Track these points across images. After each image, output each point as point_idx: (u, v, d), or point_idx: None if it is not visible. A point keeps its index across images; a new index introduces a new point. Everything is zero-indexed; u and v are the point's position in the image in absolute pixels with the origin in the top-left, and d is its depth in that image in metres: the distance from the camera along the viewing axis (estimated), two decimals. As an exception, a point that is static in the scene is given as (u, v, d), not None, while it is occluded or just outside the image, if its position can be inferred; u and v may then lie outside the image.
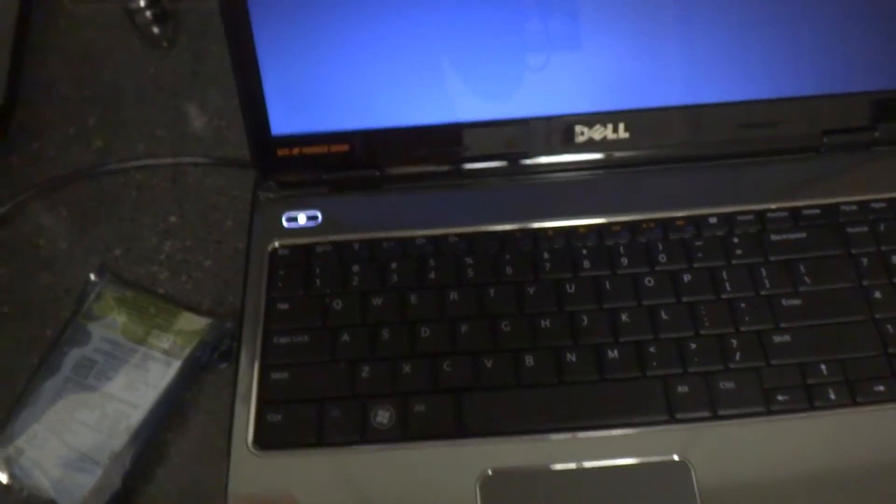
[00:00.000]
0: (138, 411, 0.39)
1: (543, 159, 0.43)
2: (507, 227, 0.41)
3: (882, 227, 0.40)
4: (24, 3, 0.56)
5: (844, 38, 0.40)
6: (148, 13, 0.50)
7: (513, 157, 0.42)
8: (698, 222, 0.41)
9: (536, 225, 0.41)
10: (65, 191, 0.48)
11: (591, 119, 0.41)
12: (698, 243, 0.40)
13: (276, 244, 0.41)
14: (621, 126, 0.42)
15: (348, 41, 0.39)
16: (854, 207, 0.41)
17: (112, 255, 0.46)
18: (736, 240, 0.40)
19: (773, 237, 0.40)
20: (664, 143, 0.42)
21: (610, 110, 0.41)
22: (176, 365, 0.40)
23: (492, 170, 0.43)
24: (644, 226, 0.41)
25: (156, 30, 0.52)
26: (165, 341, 0.41)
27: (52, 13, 0.57)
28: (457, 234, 0.41)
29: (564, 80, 0.41)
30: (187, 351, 0.40)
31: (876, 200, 0.41)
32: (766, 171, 0.42)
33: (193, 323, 0.41)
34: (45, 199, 0.48)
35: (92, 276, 0.43)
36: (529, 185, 0.43)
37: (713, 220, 0.41)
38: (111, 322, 0.41)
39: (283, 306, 0.39)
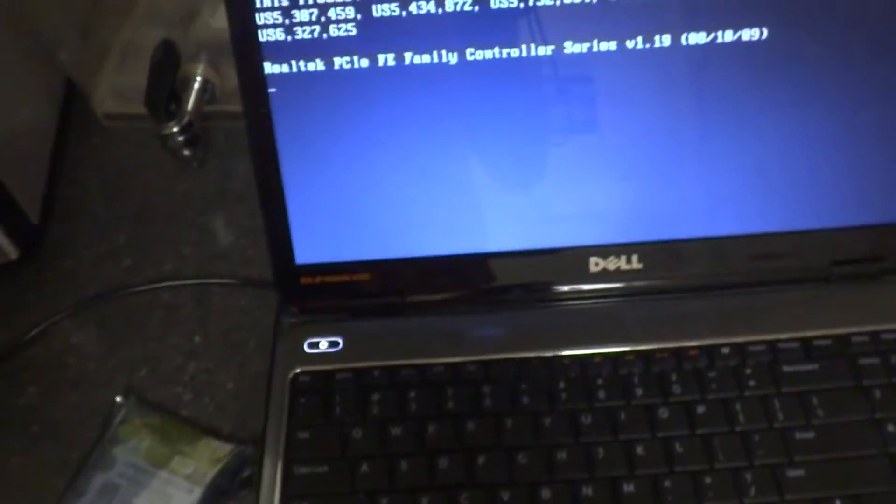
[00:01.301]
0: (161, 538, 0.39)
1: (559, 288, 0.44)
2: (524, 354, 0.42)
3: (893, 359, 0.41)
4: (60, 121, 0.59)
5: (852, 174, 0.42)
6: (180, 138, 0.52)
7: (529, 287, 0.44)
8: (711, 353, 0.41)
9: (552, 353, 0.42)
10: (95, 310, 0.50)
11: (605, 251, 0.43)
12: (711, 374, 0.41)
13: (298, 370, 0.42)
14: (635, 257, 0.43)
15: (371, 176, 0.41)
16: (865, 338, 0.41)
17: (138, 375, 0.47)
18: (749, 371, 0.41)
19: (786, 368, 0.41)
20: (676, 274, 0.43)
21: (624, 242, 0.43)
22: (198, 492, 0.40)
23: (509, 298, 0.44)
24: (658, 356, 0.41)
25: (186, 152, 0.54)
26: (188, 467, 0.41)
27: (87, 131, 0.59)
28: (474, 362, 0.42)
29: (580, 212, 0.42)
30: (209, 477, 0.41)
31: (886, 331, 0.42)
32: (778, 300, 0.43)
33: (216, 449, 0.42)
34: (76, 317, 0.49)
35: (118, 399, 0.45)
36: (545, 313, 0.44)
37: (726, 351, 0.41)
38: (135, 446, 0.42)
39: (304, 435, 0.40)
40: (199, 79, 0.55)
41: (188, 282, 0.50)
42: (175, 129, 0.52)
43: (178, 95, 0.53)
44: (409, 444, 0.39)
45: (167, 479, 0.41)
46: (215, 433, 0.44)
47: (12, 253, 0.50)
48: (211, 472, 0.41)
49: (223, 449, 0.42)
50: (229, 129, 0.58)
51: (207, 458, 0.42)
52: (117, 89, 0.60)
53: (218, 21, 0.60)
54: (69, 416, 0.45)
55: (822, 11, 0.38)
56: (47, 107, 0.58)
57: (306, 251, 0.43)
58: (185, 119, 0.52)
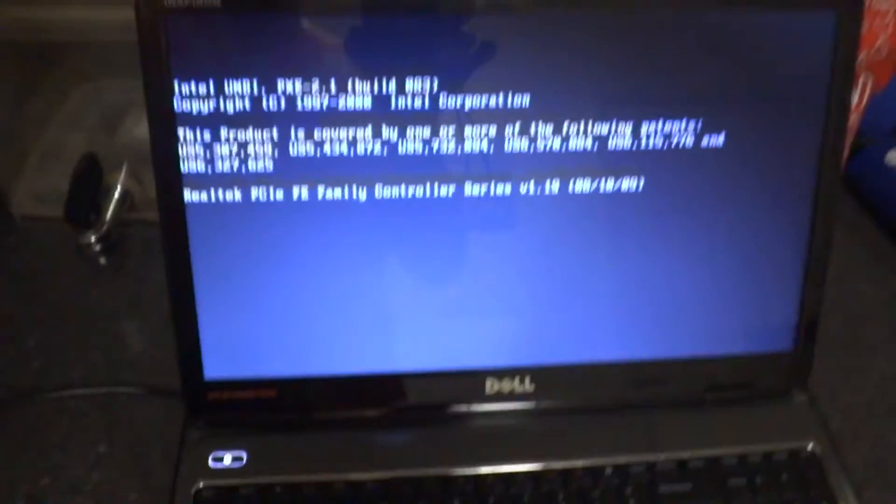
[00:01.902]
0: None
1: (457, 408, 0.46)
2: (422, 473, 0.44)
3: (758, 480, 0.45)
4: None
5: (722, 308, 0.46)
6: (97, 247, 0.54)
7: (429, 406, 0.46)
8: (595, 473, 0.44)
9: (449, 472, 0.44)
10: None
11: (500, 373, 0.46)
12: (595, 493, 0.44)
13: (201, 485, 0.43)
14: (527, 380, 0.46)
15: (280, 298, 0.44)
16: (734, 461, 0.45)
17: (39, 484, 0.47)
18: (629, 490, 0.44)
19: (662, 488, 0.44)
20: (565, 396, 0.47)
21: (517, 366, 0.46)
22: None
23: (410, 417, 0.46)
24: (547, 475, 0.44)
25: (102, 260, 0.55)
26: None
27: (3, 231, 0.60)
28: (374, 480, 0.44)
29: (477, 337, 0.45)
30: None
31: (753, 454, 0.46)
32: (657, 422, 0.47)
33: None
34: (-22, 424, 0.50)
35: None
36: (445, 432, 0.46)
37: (609, 472, 0.44)
38: None
39: (204, 549, 0.41)
40: (119, 188, 0.56)
41: (96, 390, 0.51)
42: (93, 239, 0.53)
43: (98, 205, 0.54)
44: (306, 560, 0.41)
45: None
46: (115, 545, 0.44)
47: (-82, 356, 0.50)
48: None
49: None
50: (146, 237, 0.59)
51: None
52: (37, 192, 0.61)
53: (141, 131, 0.62)
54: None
55: (692, 166, 0.43)
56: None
57: (215, 367, 0.44)
58: (104, 228, 0.54)
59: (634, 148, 0.42)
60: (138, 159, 0.59)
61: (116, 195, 0.56)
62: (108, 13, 0.57)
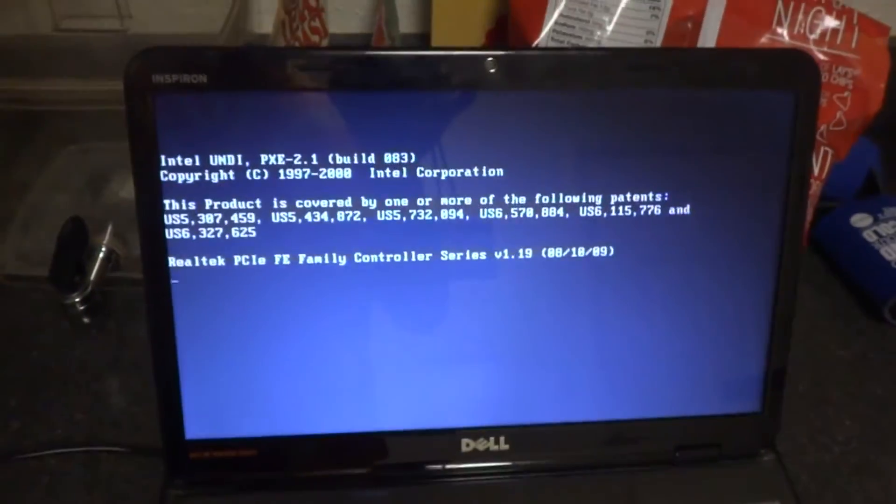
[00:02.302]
0: None
1: (434, 467, 0.47)
2: (398, 531, 0.45)
3: (727, 540, 0.46)
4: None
5: (692, 371, 0.48)
6: (81, 307, 0.55)
7: (406, 465, 0.47)
8: (569, 532, 0.45)
9: (424, 530, 0.45)
10: (-22, 476, 0.50)
11: (475, 433, 0.47)
12: (568, 553, 0.45)
13: (181, 546, 0.44)
14: (502, 439, 0.47)
15: (262, 360, 0.45)
16: (703, 520, 0.46)
17: (18, 544, 0.47)
18: (601, 549, 0.45)
19: (634, 548, 0.45)
20: (540, 455, 0.48)
21: (492, 425, 0.47)
22: None
23: (385, 475, 0.47)
24: (521, 534, 0.45)
25: (86, 320, 0.56)
26: None
27: (-15, 289, 0.61)
28: (351, 539, 0.44)
29: (454, 397, 0.46)
30: None
31: (722, 512, 0.47)
32: (630, 480, 0.48)
33: None
34: (-42, 483, 0.50)
35: None
36: (421, 491, 0.47)
37: (582, 531, 0.45)
38: None
39: None
40: (104, 249, 0.58)
41: (77, 449, 0.51)
42: (77, 300, 0.54)
43: (83, 266, 0.55)
44: None
45: None
46: None
47: None
48: None
49: None
50: (129, 295, 0.60)
51: None
52: (22, 252, 0.62)
53: (126, 192, 0.64)
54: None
55: (660, 234, 0.45)
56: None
57: (196, 426, 0.45)
58: (88, 289, 0.55)
59: (605, 216, 0.44)
60: (123, 220, 0.60)
61: (101, 256, 0.57)
62: (94, 84, 0.59)
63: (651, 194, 0.44)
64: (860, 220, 0.65)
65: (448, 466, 0.48)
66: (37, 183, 0.65)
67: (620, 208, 0.44)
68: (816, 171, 0.59)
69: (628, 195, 0.44)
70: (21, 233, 0.63)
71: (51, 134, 0.66)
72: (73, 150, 0.68)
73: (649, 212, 0.44)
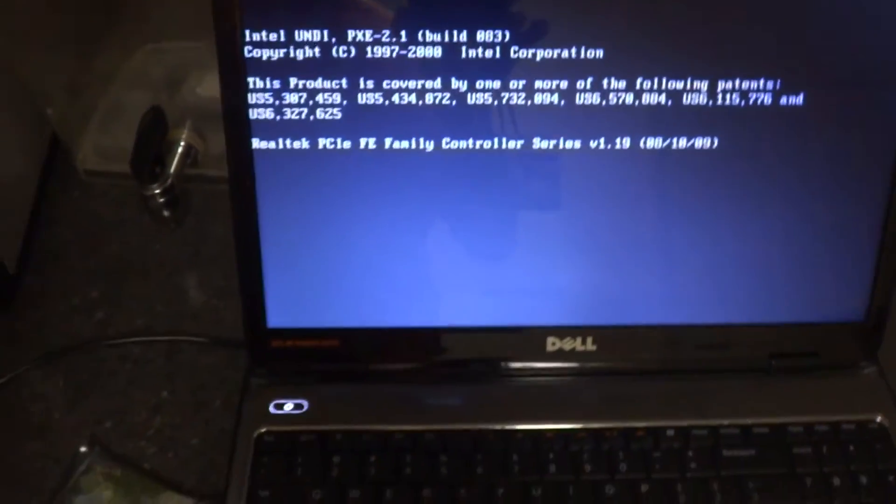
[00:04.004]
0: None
1: (517, 364, 0.46)
2: (481, 426, 0.44)
3: (824, 450, 0.44)
4: (42, 174, 0.61)
5: (792, 274, 0.45)
6: (161, 199, 0.54)
7: (489, 362, 0.46)
8: (657, 434, 0.44)
9: (508, 427, 0.44)
10: (64, 361, 0.51)
11: (562, 332, 0.45)
12: (656, 454, 0.43)
13: (263, 430, 0.44)
14: (589, 339, 0.45)
15: (345, 249, 0.44)
16: (800, 429, 0.44)
17: (103, 427, 0.48)
18: (691, 453, 0.43)
19: (726, 452, 0.43)
20: (627, 357, 0.46)
21: (580, 325, 0.45)
22: (158, 546, 0.41)
23: (469, 371, 0.46)
24: (607, 434, 0.44)
25: (166, 213, 0.56)
26: None
27: (68, 186, 0.61)
28: (433, 431, 0.44)
29: (541, 294, 0.45)
30: None
31: (819, 423, 0.45)
32: (721, 388, 0.46)
33: (178, 502, 0.43)
34: (45, 368, 0.50)
35: (82, 449, 0.45)
36: (503, 387, 0.46)
37: (670, 433, 0.44)
38: (97, 497, 0.43)
39: (265, 493, 0.42)
40: (183, 144, 0.57)
41: (159, 338, 0.52)
42: (157, 191, 0.54)
43: (163, 159, 0.55)
44: (366, 507, 0.41)
45: None
46: (177, 488, 0.45)
47: (-12, 302, 0.51)
48: None
49: (185, 503, 0.43)
50: (208, 192, 0.60)
51: None
52: (100, 148, 0.62)
53: (203, 90, 0.63)
54: (31, 464, 0.46)
55: (769, 126, 0.42)
56: (31, 160, 0.60)
57: (278, 315, 0.45)
58: (168, 181, 0.55)
59: (710, 104, 0.41)
60: (200, 117, 0.60)
61: (180, 149, 0.57)
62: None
63: (762, 81, 0.41)
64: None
65: (532, 365, 0.46)
66: (115, 80, 0.65)
67: (727, 96, 0.41)
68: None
69: (737, 82, 0.41)
70: (100, 129, 0.63)
71: (128, 30, 0.65)
72: (150, 48, 0.67)
73: (759, 101, 0.41)
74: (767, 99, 0.41)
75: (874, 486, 0.42)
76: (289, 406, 0.45)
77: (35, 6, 0.58)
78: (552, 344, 0.45)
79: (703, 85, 0.41)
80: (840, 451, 0.44)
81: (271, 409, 0.45)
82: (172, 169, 0.55)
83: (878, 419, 0.45)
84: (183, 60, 0.66)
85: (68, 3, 0.63)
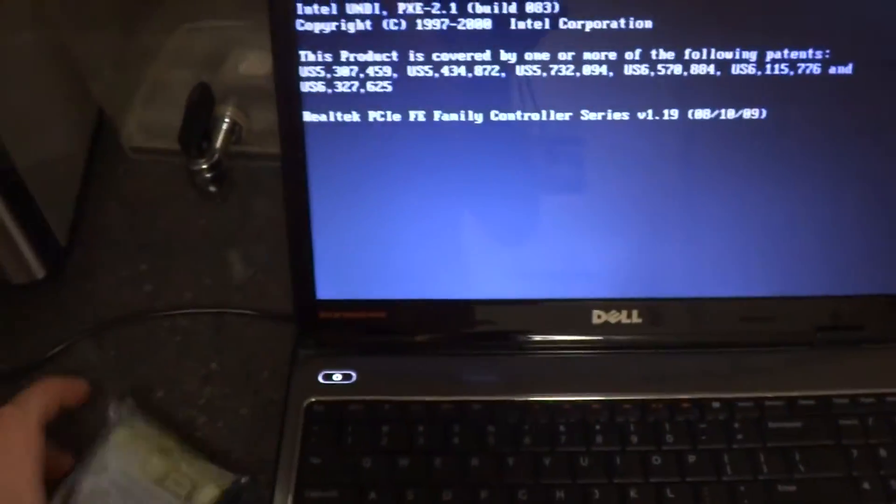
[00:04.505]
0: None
1: (562, 337, 0.46)
2: (527, 398, 0.44)
3: (871, 422, 0.44)
4: (90, 149, 0.62)
5: (837, 247, 0.45)
6: (208, 174, 0.55)
7: (535, 334, 0.46)
8: (702, 406, 0.44)
9: (554, 398, 0.44)
10: (114, 331, 0.52)
11: (607, 304, 0.46)
12: (702, 426, 0.43)
13: (313, 399, 0.44)
14: (635, 312, 0.46)
15: (394, 222, 0.44)
16: (845, 401, 0.44)
17: (154, 396, 0.49)
18: (737, 425, 0.43)
19: (771, 424, 0.44)
20: (672, 330, 0.46)
21: (625, 297, 0.46)
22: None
23: (516, 343, 0.47)
24: (653, 406, 0.44)
25: (212, 188, 0.57)
26: (184, 486, 0.42)
27: (114, 161, 0.62)
28: (480, 402, 0.44)
29: (587, 268, 0.45)
30: (204, 500, 0.42)
31: (865, 395, 0.45)
32: (766, 360, 0.46)
33: (216, 473, 0.43)
34: (96, 338, 0.52)
35: (117, 406, 0.45)
36: (549, 360, 0.46)
37: (716, 405, 0.44)
38: (131, 456, 0.42)
39: (316, 461, 0.42)
40: (227, 120, 0.57)
41: (207, 310, 0.52)
42: (204, 166, 0.55)
43: (209, 135, 0.56)
44: (415, 475, 0.42)
45: (158, 495, 0.41)
46: (224, 456, 0.45)
47: (39, 272, 0.52)
48: (206, 495, 0.42)
49: (223, 475, 0.43)
50: (252, 169, 0.60)
51: (206, 480, 0.42)
52: (145, 124, 0.63)
53: (246, 67, 0.63)
54: (82, 431, 0.47)
55: (818, 96, 0.42)
56: (79, 134, 0.61)
57: (327, 287, 0.45)
58: (215, 157, 0.55)
59: (759, 74, 0.41)
60: (242, 95, 0.60)
61: (225, 126, 0.57)
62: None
63: (811, 51, 0.41)
64: None
65: (578, 338, 0.47)
66: (157, 58, 0.65)
67: (776, 66, 0.41)
68: None
69: (785, 52, 0.41)
70: (145, 106, 0.63)
71: (168, 8, 0.66)
72: (189, 27, 0.68)
73: (808, 70, 0.41)
74: (817, 68, 0.41)
75: (921, 457, 0.42)
76: (337, 377, 0.45)
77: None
78: (598, 317, 0.46)
79: (752, 55, 0.41)
80: (885, 424, 0.44)
81: (320, 379, 0.45)
82: (219, 144, 0.56)
83: (925, 392, 0.45)
84: (224, 39, 0.66)
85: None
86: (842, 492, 0.42)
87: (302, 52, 0.41)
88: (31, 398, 0.42)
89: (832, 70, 0.41)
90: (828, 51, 0.41)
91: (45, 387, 0.43)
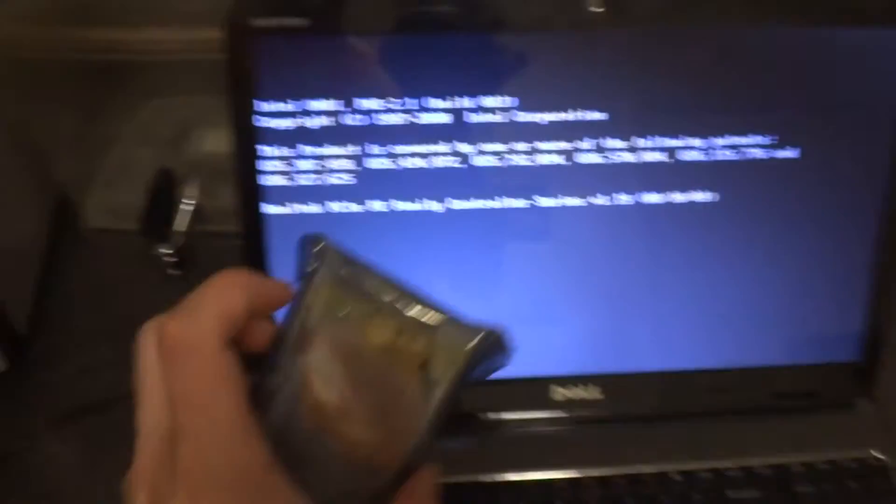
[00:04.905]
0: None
1: (524, 415, 0.47)
2: (490, 478, 0.45)
3: (825, 488, 0.45)
4: (50, 232, 0.62)
5: (790, 319, 0.47)
6: (172, 259, 0.55)
7: (497, 412, 0.47)
8: (664, 479, 0.45)
9: (517, 477, 0.45)
10: (76, 422, 0.51)
11: (566, 381, 0.47)
12: (663, 499, 0.44)
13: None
14: (596, 388, 0.47)
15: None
16: (801, 468, 0.46)
17: (119, 488, 0.48)
18: (697, 496, 0.44)
19: (731, 494, 0.45)
20: (634, 403, 0.47)
21: (585, 373, 0.47)
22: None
23: (473, 423, 0.47)
24: (615, 480, 0.45)
25: (174, 271, 0.57)
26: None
27: (75, 243, 0.62)
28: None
29: (546, 346, 0.46)
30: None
31: (821, 462, 0.46)
32: (724, 429, 0.47)
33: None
34: (58, 429, 0.51)
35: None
36: (510, 437, 0.47)
37: (678, 478, 0.45)
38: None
39: None
40: (192, 203, 0.58)
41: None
42: (169, 251, 0.55)
43: (171, 220, 0.56)
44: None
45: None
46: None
47: (1, 365, 0.51)
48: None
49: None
50: (216, 249, 0.60)
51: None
52: (107, 205, 0.63)
53: (210, 145, 0.64)
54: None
55: (765, 179, 0.44)
56: (38, 220, 0.61)
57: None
58: (181, 241, 0.56)
59: (707, 160, 0.43)
60: (207, 174, 0.61)
61: (188, 209, 0.58)
62: (172, 34, 0.59)
63: (759, 137, 0.43)
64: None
65: (538, 415, 0.47)
66: (121, 137, 0.66)
67: (724, 152, 0.43)
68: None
69: (733, 137, 0.43)
70: (106, 186, 0.64)
71: (132, 88, 0.66)
72: (157, 104, 0.68)
73: (755, 156, 0.43)
74: (763, 153, 0.43)
75: (875, 522, 0.44)
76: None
77: (41, 67, 0.59)
78: (558, 393, 0.47)
79: (701, 142, 0.43)
80: (840, 489, 0.45)
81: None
82: (182, 228, 0.56)
83: (877, 455, 0.46)
84: (189, 116, 0.67)
85: (73, 63, 0.64)
86: (802, 561, 0.43)
87: (260, 147, 0.42)
88: (203, 307, 0.30)
89: (779, 154, 0.43)
90: (775, 136, 0.43)
91: (221, 284, 0.31)
